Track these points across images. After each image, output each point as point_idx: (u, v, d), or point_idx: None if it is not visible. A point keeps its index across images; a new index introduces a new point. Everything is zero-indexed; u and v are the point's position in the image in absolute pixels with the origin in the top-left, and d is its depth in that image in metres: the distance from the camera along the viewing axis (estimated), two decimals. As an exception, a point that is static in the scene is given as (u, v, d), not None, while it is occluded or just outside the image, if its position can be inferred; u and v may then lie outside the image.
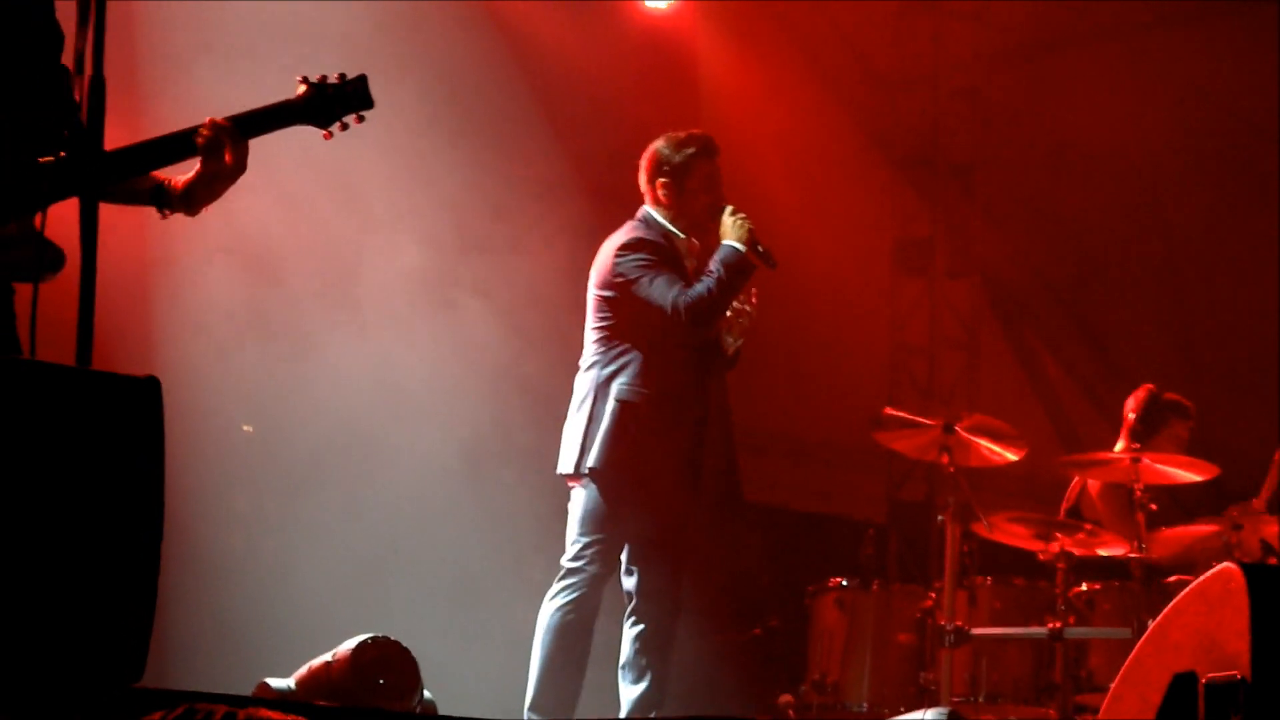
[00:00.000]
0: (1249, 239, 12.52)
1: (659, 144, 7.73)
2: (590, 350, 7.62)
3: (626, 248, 7.57)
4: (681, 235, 7.67)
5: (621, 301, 7.55)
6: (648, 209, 7.74)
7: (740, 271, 7.44)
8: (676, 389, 7.53)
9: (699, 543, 7.91)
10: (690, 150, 7.67)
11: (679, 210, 7.67)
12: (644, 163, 7.76)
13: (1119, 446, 9.49)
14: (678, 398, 7.53)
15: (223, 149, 4.97)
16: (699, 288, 7.41)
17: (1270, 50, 12.07)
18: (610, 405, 7.46)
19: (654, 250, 7.56)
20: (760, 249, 7.50)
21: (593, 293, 7.66)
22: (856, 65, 13.86)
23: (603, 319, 7.61)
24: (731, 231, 7.50)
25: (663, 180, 7.69)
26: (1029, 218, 14.07)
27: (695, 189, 7.66)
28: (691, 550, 7.78)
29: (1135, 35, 13.04)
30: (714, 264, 7.46)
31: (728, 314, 7.67)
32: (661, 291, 7.43)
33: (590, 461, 7.47)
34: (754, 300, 7.75)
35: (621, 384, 7.48)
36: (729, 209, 7.58)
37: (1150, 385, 9.90)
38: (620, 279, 7.53)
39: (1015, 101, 13.54)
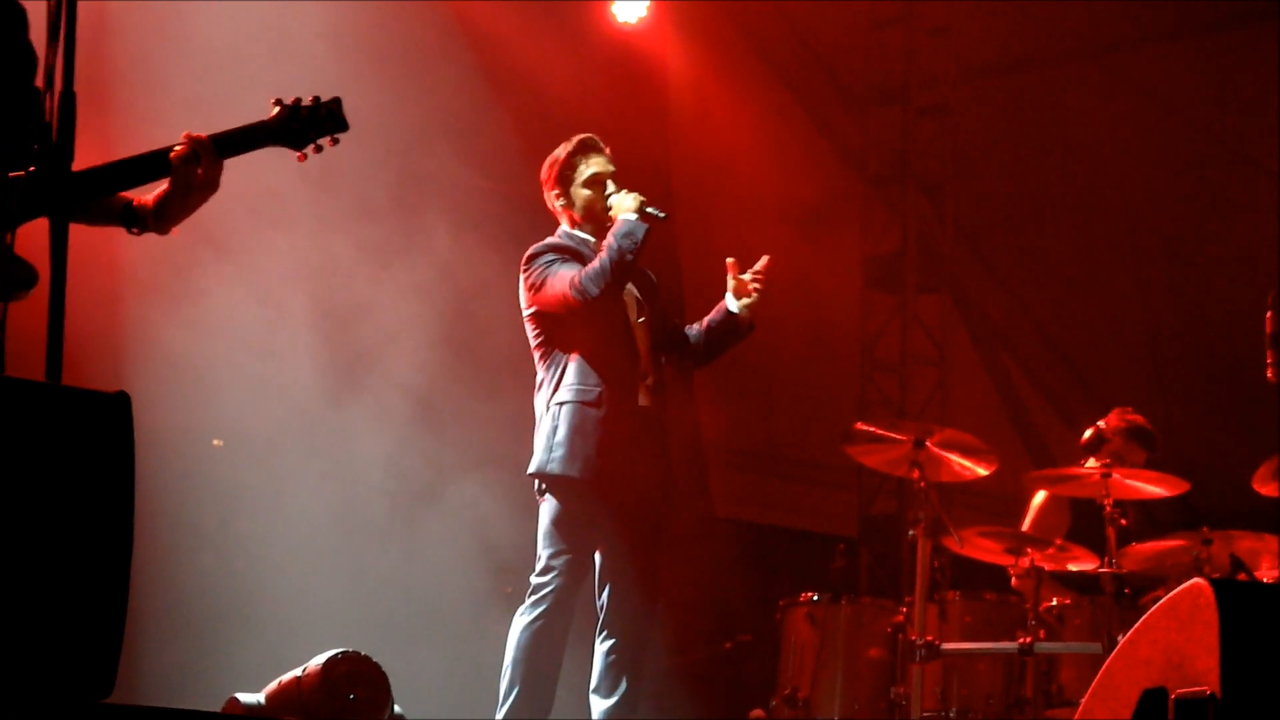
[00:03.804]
0: (1220, 256, 12.57)
1: (548, 158, 7.75)
2: (538, 371, 7.63)
3: (529, 259, 7.59)
4: (593, 239, 7.65)
5: (543, 314, 7.55)
6: (561, 225, 7.76)
7: (629, 234, 7.38)
8: (617, 389, 7.50)
9: (671, 556, 7.89)
10: (569, 151, 7.68)
11: (582, 214, 7.67)
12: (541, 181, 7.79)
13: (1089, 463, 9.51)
14: (619, 397, 7.50)
15: (196, 165, 4.96)
16: (594, 262, 7.39)
17: (1247, 72, 12.13)
18: (551, 410, 7.47)
19: (555, 250, 7.56)
20: (649, 209, 7.47)
21: (523, 315, 7.66)
22: (828, 82, 13.89)
23: (536, 337, 7.61)
24: (621, 208, 7.49)
25: (555, 191, 7.71)
26: (1000, 234, 14.12)
27: (584, 186, 7.65)
28: (663, 560, 7.76)
29: (1108, 54, 13.09)
30: (608, 239, 7.44)
31: (734, 280, 7.66)
32: (561, 279, 7.43)
33: (534, 467, 7.47)
34: (762, 271, 7.72)
35: (561, 389, 7.48)
36: (615, 192, 7.56)
37: (1121, 410, 9.88)
38: (531, 291, 7.54)
39: (986, 119, 13.58)
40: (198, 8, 9.28)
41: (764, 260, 7.73)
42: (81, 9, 4.34)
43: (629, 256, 7.37)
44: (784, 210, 12.87)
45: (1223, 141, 12.63)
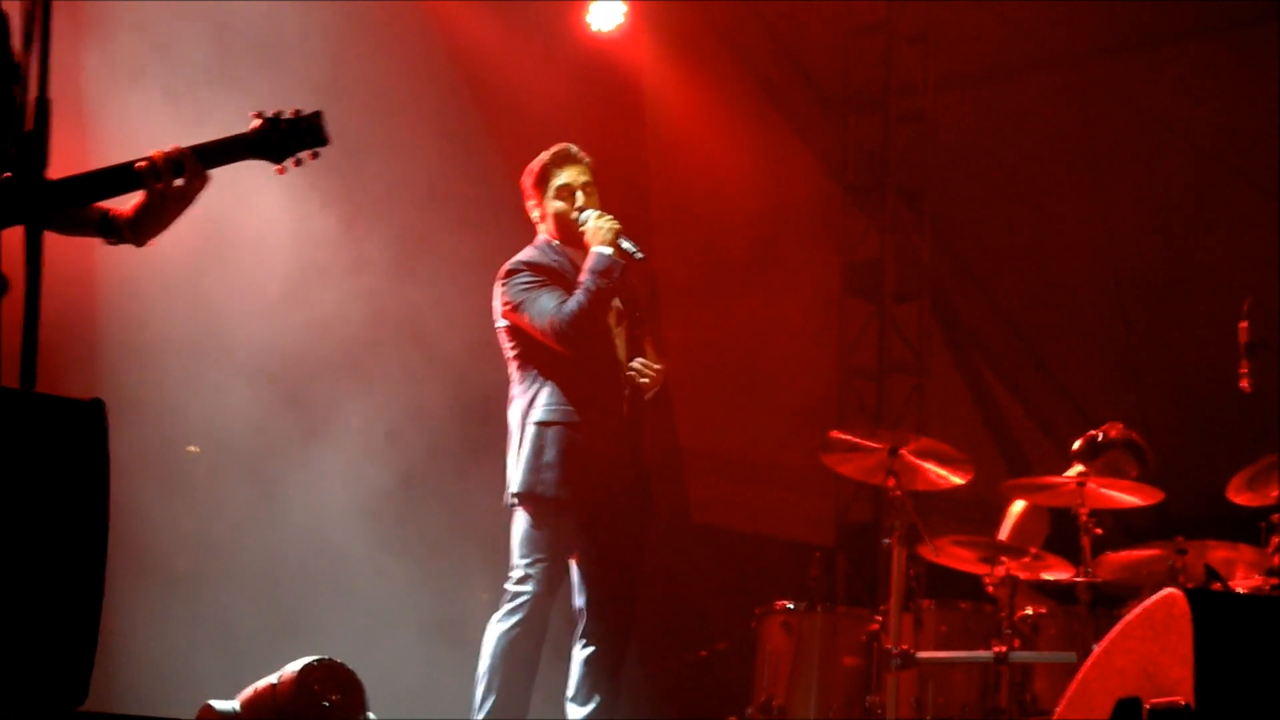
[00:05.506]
0: (1197, 264, 12.58)
1: (527, 168, 7.74)
2: (512, 383, 7.61)
3: (508, 274, 7.57)
4: (570, 250, 7.64)
5: (518, 329, 7.53)
6: (539, 234, 7.75)
7: (608, 273, 7.39)
8: (598, 403, 7.50)
9: (647, 562, 7.89)
10: (545, 161, 7.67)
11: (556, 224, 7.67)
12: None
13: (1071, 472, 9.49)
14: (601, 411, 7.50)
15: (172, 176, 4.94)
16: (571, 303, 7.38)
17: (1225, 79, 12.14)
18: (530, 430, 7.45)
19: (535, 270, 7.53)
20: (626, 245, 7.46)
21: (497, 325, 7.65)
22: (806, 88, 13.89)
23: (511, 349, 7.59)
24: (596, 236, 7.47)
25: (532, 202, 7.71)
26: (978, 242, 14.12)
27: (558, 198, 7.65)
28: (641, 570, 7.76)
29: (1087, 62, 13.10)
30: (583, 275, 7.44)
31: (638, 379, 7.62)
32: (540, 312, 7.41)
33: (514, 487, 7.46)
34: (659, 364, 7.68)
35: (538, 408, 7.46)
36: (591, 214, 7.55)
37: (1123, 424, 9.84)
38: (508, 306, 7.52)
39: (966, 126, 13.58)
40: (178, 9, 9.27)
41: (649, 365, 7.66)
42: (57, 9, 4.32)
43: (608, 294, 7.40)
44: (762, 216, 12.88)
45: (1203, 149, 12.64)
